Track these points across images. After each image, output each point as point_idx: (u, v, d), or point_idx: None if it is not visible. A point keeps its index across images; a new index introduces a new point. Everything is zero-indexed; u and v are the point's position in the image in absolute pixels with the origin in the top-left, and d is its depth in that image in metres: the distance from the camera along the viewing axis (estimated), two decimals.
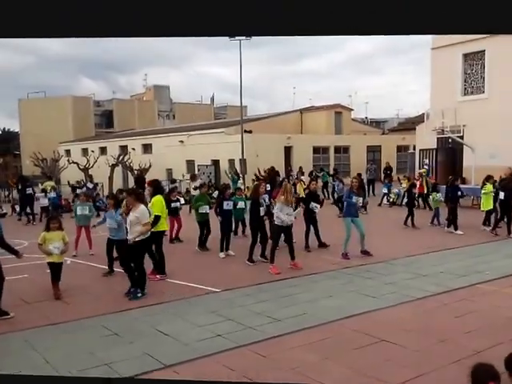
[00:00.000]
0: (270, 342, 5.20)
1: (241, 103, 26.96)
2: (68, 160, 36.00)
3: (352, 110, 35.27)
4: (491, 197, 11.75)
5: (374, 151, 32.17)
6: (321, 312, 6.12)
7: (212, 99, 57.04)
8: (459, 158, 22.07)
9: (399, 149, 32.35)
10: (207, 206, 10.22)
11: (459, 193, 11.92)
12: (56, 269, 6.87)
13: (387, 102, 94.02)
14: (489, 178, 12.25)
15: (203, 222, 10.19)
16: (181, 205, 11.66)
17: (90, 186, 19.30)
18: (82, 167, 33.52)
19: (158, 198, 7.85)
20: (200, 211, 10.16)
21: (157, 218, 7.70)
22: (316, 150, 30.20)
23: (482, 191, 11.90)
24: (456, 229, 11.80)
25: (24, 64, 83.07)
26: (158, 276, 7.84)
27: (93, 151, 38.22)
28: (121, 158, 32.66)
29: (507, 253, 9.53)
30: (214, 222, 10.12)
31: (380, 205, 18.23)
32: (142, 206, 6.82)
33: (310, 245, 10.05)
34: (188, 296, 6.83)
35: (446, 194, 12.28)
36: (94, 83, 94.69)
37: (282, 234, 8.45)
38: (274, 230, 8.71)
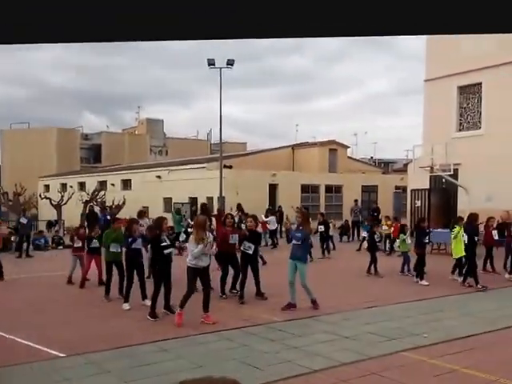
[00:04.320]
0: None
1: (220, 136, 26.70)
2: (40, 195, 35.79)
3: (348, 147, 34.70)
4: (461, 242, 10.71)
5: (369, 191, 31.26)
6: None
7: (209, 134, 57.26)
8: (453, 199, 21.05)
9: (397, 189, 31.42)
10: (118, 245, 9.35)
11: (426, 237, 10.97)
12: None
13: (401, 143, 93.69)
14: (459, 220, 11.34)
15: (112, 263, 9.35)
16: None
17: (24, 221, 17.08)
18: (54, 203, 33.22)
19: None
20: (111, 249, 9.34)
21: None
22: (305, 188, 29.42)
23: (452, 235, 10.90)
24: (421, 278, 10.75)
25: (26, 97, 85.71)
26: None
27: (71, 186, 38.06)
28: (95, 194, 32.29)
29: (468, 310, 8.45)
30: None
31: (359, 249, 17.22)
32: None
33: (226, 293, 9.36)
34: (8, 363, 5.73)
35: (416, 237, 11.33)
36: (96, 118, 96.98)
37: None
38: (187, 274, 7.82)
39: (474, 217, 10.71)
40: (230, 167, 27.60)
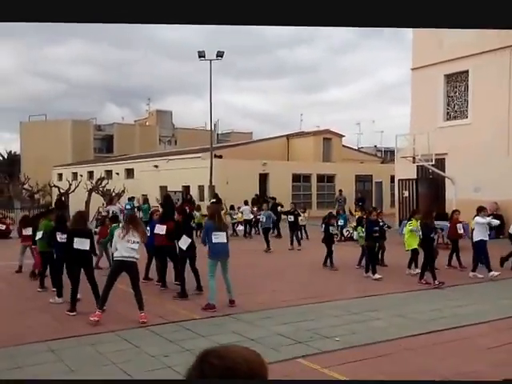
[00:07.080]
0: None
1: (210, 126, 25.88)
2: (48, 184, 35.73)
3: (343, 136, 33.36)
4: (415, 234, 9.65)
5: (364, 181, 29.98)
6: None
7: (215, 125, 56.46)
8: (442, 189, 19.74)
9: (392, 179, 30.05)
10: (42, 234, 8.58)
11: (375, 228, 9.93)
12: None
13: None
14: (415, 213, 10.33)
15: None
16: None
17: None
18: (62, 191, 33.08)
19: None
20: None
21: None
22: (296, 177, 28.35)
23: (408, 227, 9.83)
24: (374, 272, 9.76)
25: (55, 91, 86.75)
26: None
27: (81, 175, 37.90)
28: (98, 182, 31.99)
29: (407, 310, 7.38)
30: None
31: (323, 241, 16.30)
32: None
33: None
34: None
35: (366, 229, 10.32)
36: (119, 110, 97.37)
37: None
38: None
39: (428, 211, 9.70)
40: (221, 157, 26.78)
